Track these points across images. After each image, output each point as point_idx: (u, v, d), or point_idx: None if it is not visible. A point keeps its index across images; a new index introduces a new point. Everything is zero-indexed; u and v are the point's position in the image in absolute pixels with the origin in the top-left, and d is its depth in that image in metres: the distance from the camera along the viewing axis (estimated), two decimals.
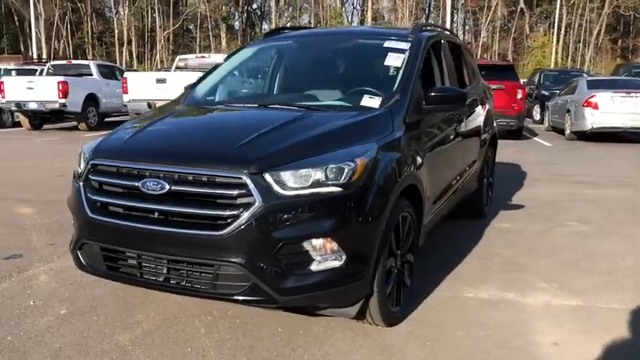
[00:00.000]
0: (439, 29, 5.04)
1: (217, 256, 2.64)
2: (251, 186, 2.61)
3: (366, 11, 54.56)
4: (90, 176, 2.97)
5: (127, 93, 13.78)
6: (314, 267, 2.69)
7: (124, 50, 57.74)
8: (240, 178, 2.62)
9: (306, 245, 2.66)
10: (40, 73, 16.35)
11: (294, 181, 2.66)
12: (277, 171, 2.65)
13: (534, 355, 2.95)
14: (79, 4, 58.98)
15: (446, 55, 4.51)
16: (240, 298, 2.69)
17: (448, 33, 5.39)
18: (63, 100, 13.88)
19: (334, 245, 2.70)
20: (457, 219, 5.28)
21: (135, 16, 59.32)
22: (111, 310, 3.39)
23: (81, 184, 3.01)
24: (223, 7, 58.05)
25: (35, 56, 35.04)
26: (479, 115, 5.15)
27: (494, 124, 5.85)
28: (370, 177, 2.84)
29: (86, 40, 59.93)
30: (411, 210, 3.29)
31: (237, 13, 62.74)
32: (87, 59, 29.59)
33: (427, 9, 59.18)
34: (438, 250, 4.56)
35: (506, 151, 9.81)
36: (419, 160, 3.40)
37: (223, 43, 59.44)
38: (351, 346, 2.99)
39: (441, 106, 3.68)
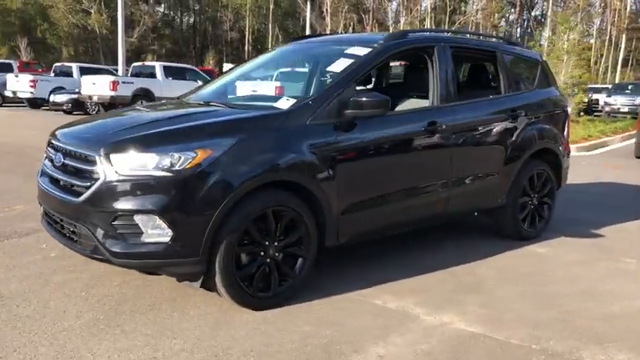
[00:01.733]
0: (446, 34, 4.89)
1: (76, 218, 3.33)
2: (99, 164, 3.24)
3: None
4: (47, 148, 3.91)
5: None
6: (143, 239, 3.20)
7: None
8: (94, 157, 3.27)
9: (137, 219, 3.19)
10: None
11: (133, 164, 3.20)
12: (120, 154, 3.22)
13: None
14: (364, 15, 64.00)
15: (441, 62, 4.40)
16: (89, 255, 3.33)
17: (464, 38, 5.29)
18: None
19: (161, 223, 3.17)
20: (488, 236, 5.11)
21: (411, 25, 62.02)
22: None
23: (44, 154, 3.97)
24: (496, 14, 57.16)
25: None
26: (505, 128, 4.81)
27: (557, 142, 5.31)
28: (211, 167, 3.21)
29: None
30: (295, 207, 3.50)
31: (503, 20, 61.08)
32: None
33: None
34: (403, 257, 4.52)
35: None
36: (319, 160, 3.58)
37: None
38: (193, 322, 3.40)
39: (363, 112, 3.74)
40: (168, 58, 51.34)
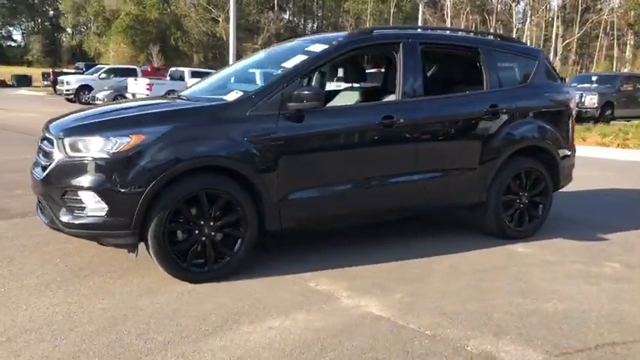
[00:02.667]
0: (418, 31, 4.94)
1: (41, 193, 3.91)
2: (55, 147, 3.78)
3: None
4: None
5: None
6: (86, 212, 3.70)
7: None
8: (53, 140, 3.82)
9: (81, 194, 3.69)
10: None
11: (79, 146, 3.71)
12: (70, 138, 3.74)
13: None
14: (488, 17, 62.42)
15: (406, 58, 4.52)
16: (49, 224, 3.89)
17: (434, 35, 5.41)
18: None
19: (98, 199, 3.64)
20: (474, 233, 5.15)
21: (537, 27, 59.49)
22: None
23: None
24: (631, 12, 53.19)
25: None
26: (481, 124, 4.81)
27: (551, 140, 5.17)
28: (143, 151, 3.64)
29: None
30: (230, 191, 3.84)
31: None
32: None
33: None
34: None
35: None
36: (256, 148, 3.90)
37: (627, 51, 54.65)
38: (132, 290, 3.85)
39: (304, 104, 3.98)
40: None
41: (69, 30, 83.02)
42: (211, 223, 3.86)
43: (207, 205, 3.83)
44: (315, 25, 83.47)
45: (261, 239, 4.15)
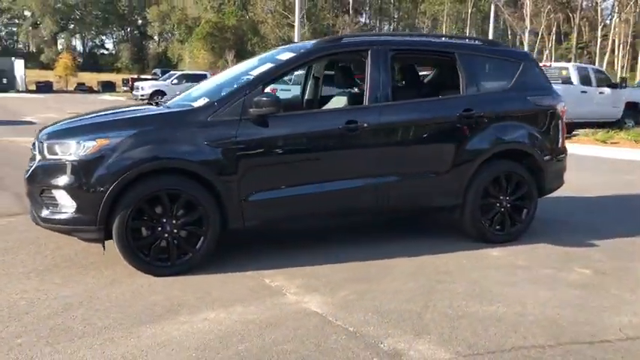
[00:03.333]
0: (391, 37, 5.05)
1: (26, 192, 4.35)
2: (37, 149, 4.21)
3: None
4: None
5: None
6: (59, 209, 4.10)
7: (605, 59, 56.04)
8: (36, 144, 4.25)
9: (54, 192, 4.09)
10: None
11: (56, 149, 4.12)
12: (47, 142, 4.16)
13: None
14: (572, 15, 60.14)
15: (373, 64, 4.66)
16: (33, 220, 4.32)
17: (407, 41, 5.43)
18: None
19: (68, 197, 4.03)
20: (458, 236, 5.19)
21: (627, 22, 56.72)
22: None
23: None
24: None
25: None
26: (454, 128, 4.86)
27: (534, 143, 5.14)
28: (106, 154, 3.99)
29: (572, 50, 60.80)
30: (190, 191, 4.13)
31: None
32: None
33: None
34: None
35: None
36: (216, 152, 4.17)
37: None
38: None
39: (262, 110, 4.21)
40: None
41: (155, 38, 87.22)
42: (173, 222, 4.15)
43: (169, 205, 4.12)
44: (392, 28, 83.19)
45: (235, 238, 4.39)
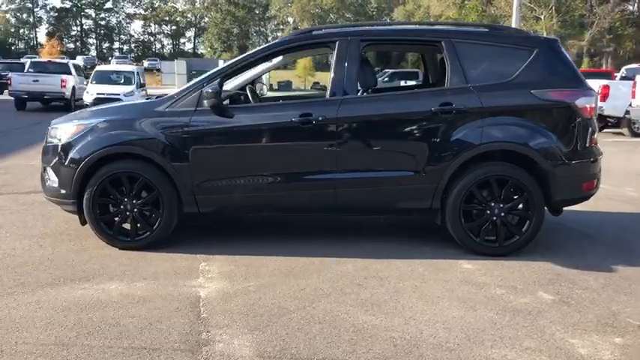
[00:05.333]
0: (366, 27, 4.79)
1: None
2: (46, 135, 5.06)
3: None
4: None
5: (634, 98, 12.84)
6: (50, 183, 4.84)
7: None
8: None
9: (47, 170, 4.86)
10: None
11: (51, 134, 4.87)
12: (50, 128, 4.95)
13: None
14: None
15: (338, 57, 4.54)
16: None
17: (382, 30, 5.09)
18: None
19: (52, 174, 4.78)
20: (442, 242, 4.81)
21: None
22: None
23: None
24: None
25: None
26: (428, 124, 4.46)
27: (534, 144, 4.43)
28: (79, 139, 4.62)
29: None
30: (146, 175, 4.54)
31: None
32: None
33: None
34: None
35: None
36: (169, 139, 4.52)
37: None
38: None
39: (208, 101, 4.42)
40: (629, 60, 47.77)
41: None
42: (133, 201, 4.60)
43: (129, 186, 4.59)
44: None
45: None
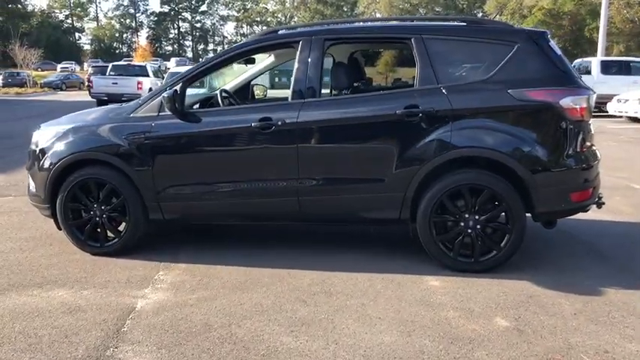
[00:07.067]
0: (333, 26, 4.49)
1: None
2: None
3: None
4: None
5: None
6: (30, 188, 4.94)
7: None
8: None
9: (28, 175, 4.97)
10: None
11: (33, 140, 4.95)
12: (33, 133, 5.05)
13: None
14: None
15: (300, 57, 4.30)
16: None
17: (348, 29, 4.69)
18: None
19: (31, 179, 4.87)
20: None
21: None
22: None
23: None
24: None
25: None
26: (392, 128, 4.13)
27: (513, 151, 3.97)
28: (53, 145, 4.67)
29: None
30: (111, 181, 4.53)
31: None
32: None
33: None
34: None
35: None
36: (131, 145, 4.45)
37: None
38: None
39: (166, 106, 4.34)
40: None
41: None
42: (102, 207, 4.60)
43: (97, 192, 4.58)
44: None
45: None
